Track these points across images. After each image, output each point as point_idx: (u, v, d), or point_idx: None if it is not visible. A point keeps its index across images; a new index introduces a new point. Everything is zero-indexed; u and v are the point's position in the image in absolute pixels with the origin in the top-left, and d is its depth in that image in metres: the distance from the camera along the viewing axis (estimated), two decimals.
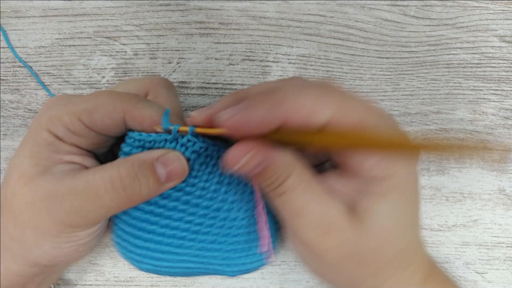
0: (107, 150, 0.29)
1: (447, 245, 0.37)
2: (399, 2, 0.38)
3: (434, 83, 0.38)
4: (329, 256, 0.24)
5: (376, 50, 0.38)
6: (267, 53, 0.38)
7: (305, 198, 0.24)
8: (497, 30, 0.38)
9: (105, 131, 0.26)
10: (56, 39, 0.38)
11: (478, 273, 0.37)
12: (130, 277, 0.36)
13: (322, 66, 0.38)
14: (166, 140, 0.25)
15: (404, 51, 0.38)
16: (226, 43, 0.38)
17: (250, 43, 0.38)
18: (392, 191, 0.24)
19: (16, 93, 0.37)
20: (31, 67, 0.37)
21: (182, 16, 0.38)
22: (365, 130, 0.22)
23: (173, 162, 0.25)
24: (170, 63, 0.38)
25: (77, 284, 0.36)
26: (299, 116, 0.21)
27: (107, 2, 0.38)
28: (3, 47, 0.38)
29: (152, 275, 0.35)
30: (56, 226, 0.24)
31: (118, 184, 0.24)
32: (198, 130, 0.25)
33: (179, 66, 0.38)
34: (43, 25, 0.38)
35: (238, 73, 0.38)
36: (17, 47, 0.38)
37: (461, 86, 0.38)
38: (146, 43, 0.38)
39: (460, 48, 0.38)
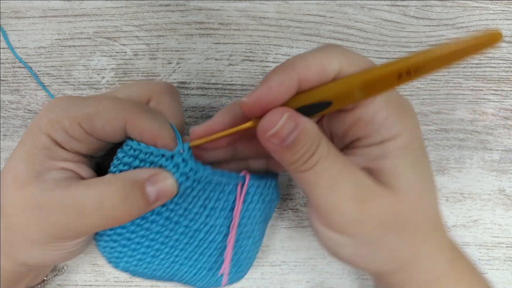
0: (106, 153, 0.29)
1: None
2: (399, 2, 0.38)
3: (434, 83, 0.38)
4: (370, 227, 0.24)
5: (376, 50, 0.38)
6: (267, 53, 0.38)
7: (337, 166, 0.23)
8: None
9: (105, 137, 0.25)
10: (56, 39, 0.38)
11: None
12: (130, 278, 0.36)
13: None
14: (163, 155, 0.25)
15: (404, 51, 0.38)
16: (226, 43, 0.38)
17: (250, 44, 0.38)
18: (407, 147, 0.24)
19: (16, 94, 0.37)
20: (31, 67, 0.37)
21: (182, 17, 0.38)
22: (368, 70, 0.23)
23: (164, 182, 0.24)
24: (170, 63, 0.38)
25: (77, 284, 0.36)
26: (311, 73, 0.22)
27: (107, 2, 0.38)
28: (3, 48, 0.38)
29: None
30: (44, 236, 0.24)
31: (108, 205, 0.23)
32: (196, 142, 0.25)
33: (179, 67, 0.38)
34: (43, 26, 0.38)
35: (238, 73, 0.38)
36: (17, 48, 0.38)
37: (461, 86, 0.38)
38: (146, 44, 0.38)
39: None
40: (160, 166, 0.25)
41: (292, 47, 0.38)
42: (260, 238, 0.32)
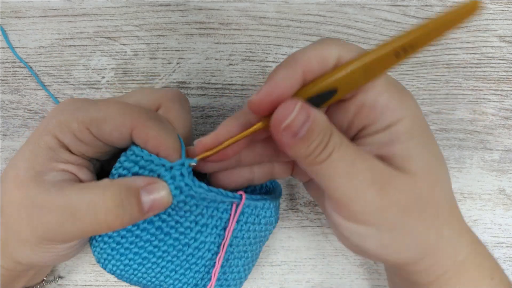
0: (111, 157, 0.29)
1: None
2: (399, 2, 0.38)
3: (434, 83, 0.38)
4: (393, 213, 0.24)
5: None
6: (267, 53, 0.38)
7: (351, 155, 0.23)
8: (497, 30, 0.38)
9: (112, 142, 0.26)
10: (56, 39, 0.38)
11: None
12: None
13: None
14: (163, 165, 0.25)
15: None
16: (226, 43, 0.38)
17: (250, 43, 0.38)
18: (412, 130, 0.24)
19: (16, 94, 0.37)
20: (31, 67, 0.37)
21: (182, 16, 0.38)
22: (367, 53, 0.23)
23: (159, 192, 0.24)
24: (170, 63, 0.38)
25: (77, 284, 0.36)
26: (313, 63, 0.23)
27: (107, 2, 0.38)
28: (3, 47, 0.38)
29: None
30: (34, 237, 0.24)
31: (101, 209, 0.23)
32: (204, 155, 0.25)
33: (179, 66, 0.38)
34: (43, 25, 0.38)
35: (238, 73, 0.38)
36: (17, 47, 0.38)
37: (461, 86, 0.38)
38: (146, 43, 0.38)
39: (460, 48, 0.38)
40: (158, 176, 0.25)
41: (292, 47, 0.38)
42: (253, 260, 0.32)
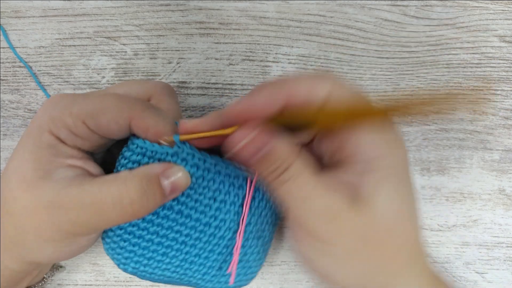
0: (105, 150, 0.29)
1: (447, 245, 0.37)
2: (399, 2, 0.38)
3: (434, 83, 0.38)
4: (338, 244, 0.24)
5: (376, 50, 0.38)
6: (267, 53, 0.38)
7: (309, 186, 0.24)
8: (497, 30, 0.38)
9: (109, 134, 0.26)
10: (56, 39, 0.38)
11: (478, 273, 0.37)
12: (130, 277, 0.36)
13: (322, 66, 0.38)
14: (167, 153, 0.26)
15: (404, 51, 0.38)
16: (226, 43, 0.38)
17: (250, 43, 0.38)
18: (390, 172, 0.24)
19: (16, 93, 0.37)
20: (31, 67, 0.37)
21: (182, 16, 0.38)
22: (357, 102, 0.23)
23: (177, 175, 0.25)
24: (170, 63, 0.38)
25: (77, 284, 0.36)
26: (299, 95, 0.22)
27: (107, 2, 0.38)
28: (3, 47, 0.38)
29: None
30: (60, 234, 0.25)
31: (127, 201, 0.24)
32: (185, 137, 0.25)
33: (179, 66, 0.38)
34: (43, 25, 0.38)
35: (238, 73, 0.38)
36: (17, 47, 0.38)
37: (461, 86, 0.38)
38: (146, 43, 0.38)
39: (460, 48, 0.38)
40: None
41: (292, 47, 0.38)
42: (269, 241, 0.32)
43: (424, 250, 0.27)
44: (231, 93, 0.38)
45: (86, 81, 0.37)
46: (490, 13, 0.38)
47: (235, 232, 0.29)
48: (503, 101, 0.38)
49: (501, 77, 0.38)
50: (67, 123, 0.25)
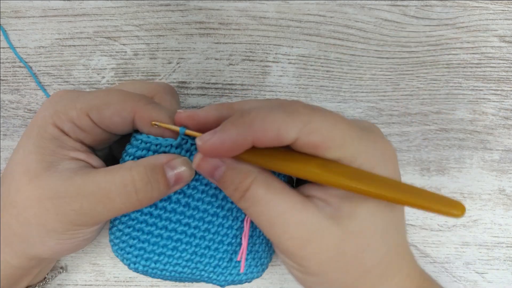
0: (106, 147, 0.29)
1: (447, 245, 0.37)
2: (399, 2, 0.38)
3: (434, 83, 0.38)
4: (312, 264, 0.24)
5: (376, 50, 0.38)
6: (267, 53, 0.38)
7: (277, 208, 0.23)
8: (497, 30, 0.38)
9: (112, 128, 0.26)
10: (56, 39, 0.38)
11: (478, 273, 0.37)
12: (130, 277, 0.36)
13: (322, 66, 0.38)
14: (171, 145, 0.26)
15: (404, 51, 0.38)
16: (226, 43, 0.38)
17: (250, 43, 0.38)
18: None
19: (16, 93, 0.37)
20: (31, 67, 0.37)
21: (182, 16, 0.38)
22: (325, 154, 0.23)
23: (182, 166, 0.26)
24: (170, 63, 0.38)
25: (77, 284, 0.36)
26: (267, 137, 0.22)
27: (107, 2, 0.38)
28: (3, 47, 0.38)
29: None
30: (63, 225, 0.25)
31: (131, 188, 0.24)
32: (190, 132, 0.25)
33: (179, 66, 0.38)
34: (43, 25, 0.38)
35: (238, 73, 0.38)
36: (17, 47, 0.38)
37: (461, 86, 0.38)
38: (146, 43, 0.38)
39: (460, 48, 0.38)
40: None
41: (292, 47, 0.38)
42: None
43: (409, 258, 0.27)
44: (231, 93, 0.38)
45: (86, 81, 0.37)
46: (490, 13, 0.38)
47: (243, 221, 0.29)
48: (503, 101, 0.38)
49: (501, 77, 0.38)
50: (71, 116, 0.25)
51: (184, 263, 0.29)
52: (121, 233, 0.28)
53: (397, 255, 0.26)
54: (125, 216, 0.28)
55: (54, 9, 0.38)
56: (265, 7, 0.38)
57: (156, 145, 0.26)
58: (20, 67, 0.37)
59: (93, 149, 0.28)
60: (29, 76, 0.37)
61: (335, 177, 0.22)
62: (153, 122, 0.26)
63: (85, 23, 0.38)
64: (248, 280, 0.31)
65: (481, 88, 0.38)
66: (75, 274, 0.36)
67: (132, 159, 0.26)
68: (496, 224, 0.37)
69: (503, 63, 0.38)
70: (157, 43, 0.38)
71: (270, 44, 0.38)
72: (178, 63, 0.38)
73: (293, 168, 0.23)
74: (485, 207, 0.37)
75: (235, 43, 0.38)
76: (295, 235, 0.23)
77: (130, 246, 0.28)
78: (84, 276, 0.36)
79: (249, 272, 0.30)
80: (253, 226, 0.29)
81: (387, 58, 0.38)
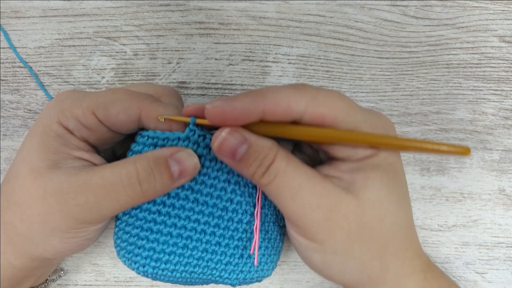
0: (109, 147, 0.29)
1: (447, 245, 0.37)
2: (399, 2, 0.38)
3: (434, 83, 0.38)
4: (338, 236, 0.24)
5: (376, 50, 0.38)
6: (267, 53, 0.38)
7: (299, 179, 0.24)
8: (497, 30, 0.38)
9: (117, 126, 0.26)
10: (56, 39, 0.38)
11: (478, 273, 0.37)
12: (130, 277, 0.36)
13: (322, 66, 0.38)
14: (179, 138, 0.26)
15: (404, 51, 0.38)
16: (226, 43, 0.38)
17: (250, 43, 0.38)
18: (381, 165, 0.25)
19: (16, 94, 0.37)
20: (31, 67, 0.37)
21: (182, 17, 0.38)
22: (333, 124, 0.24)
23: (186, 159, 0.25)
24: (170, 63, 0.38)
25: (77, 284, 0.36)
26: (278, 107, 0.23)
27: (107, 2, 0.38)
28: (3, 47, 0.38)
29: None
30: (67, 222, 0.25)
31: (135, 180, 0.24)
32: (201, 121, 0.26)
33: (179, 67, 0.38)
34: (43, 26, 0.38)
35: (238, 73, 0.38)
36: (17, 47, 0.38)
37: (461, 86, 0.38)
38: (146, 43, 0.38)
39: (460, 48, 0.38)
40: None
41: (292, 47, 0.38)
42: (283, 227, 0.32)
43: (416, 239, 0.28)
44: (231, 93, 0.38)
45: (86, 81, 0.37)
46: (490, 13, 0.38)
47: (252, 214, 0.28)
48: (503, 101, 0.38)
49: (501, 77, 0.38)
50: (77, 114, 0.25)
51: (195, 261, 0.28)
52: (128, 235, 0.28)
53: (409, 226, 0.27)
54: (132, 217, 0.28)
55: (54, 9, 0.38)
56: (265, 7, 0.38)
57: (163, 139, 0.26)
58: (20, 67, 0.37)
59: (96, 149, 0.28)
60: (29, 76, 0.37)
61: (350, 132, 0.24)
62: (161, 116, 0.26)
63: (85, 23, 0.38)
64: (259, 279, 0.30)
65: (481, 88, 0.38)
66: (75, 274, 0.36)
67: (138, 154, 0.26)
68: (496, 224, 0.37)
69: (503, 63, 0.38)
70: (157, 43, 0.38)
71: (270, 44, 0.38)
72: (178, 63, 0.38)
73: (309, 131, 0.24)
74: (485, 207, 0.37)
75: (235, 43, 0.38)
76: (320, 204, 0.24)
77: (139, 248, 0.28)
78: (84, 276, 0.36)
79: (260, 269, 0.30)
80: (262, 220, 0.29)
81: (387, 58, 0.38)
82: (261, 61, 0.38)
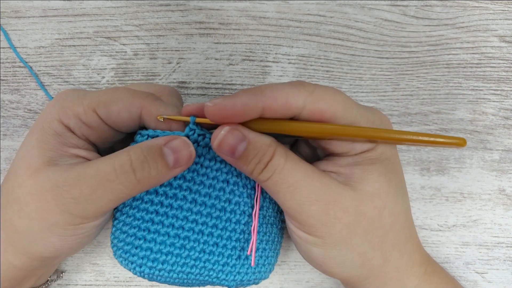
0: (109, 147, 0.30)
1: (447, 245, 0.37)
2: (399, 2, 0.38)
3: (434, 83, 0.38)
4: (337, 228, 0.25)
5: (376, 50, 0.38)
6: (267, 53, 0.38)
7: (297, 175, 0.24)
8: (497, 30, 0.38)
9: (118, 124, 0.26)
10: (56, 39, 0.38)
11: (478, 273, 0.37)
12: (130, 277, 0.36)
13: (322, 66, 0.38)
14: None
15: (404, 51, 0.38)
16: (226, 43, 0.38)
17: (250, 43, 0.38)
18: (379, 159, 0.26)
19: (16, 94, 0.37)
20: (31, 67, 0.37)
21: (182, 16, 0.38)
22: (332, 120, 0.24)
23: (181, 147, 0.25)
24: (170, 63, 0.38)
25: (77, 284, 0.36)
26: (276, 103, 0.23)
27: (107, 2, 0.38)
28: (3, 47, 0.38)
29: None
30: (64, 217, 0.25)
31: (128, 168, 0.24)
32: (200, 120, 0.26)
33: (179, 66, 0.38)
34: (43, 25, 0.38)
35: (238, 73, 0.38)
36: (17, 47, 0.38)
37: (461, 86, 0.38)
38: (146, 43, 0.38)
39: (460, 48, 0.38)
40: None
41: (292, 47, 0.38)
42: (282, 229, 0.32)
43: (415, 232, 0.28)
44: (231, 93, 0.38)
45: (86, 81, 0.37)
46: (490, 13, 0.38)
47: (250, 215, 0.28)
48: (503, 101, 0.38)
49: (501, 77, 0.38)
50: (78, 112, 0.25)
51: (192, 262, 0.28)
52: (125, 234, 0.28)
53: (408, 218, 0.27)
54: (129, 216, 0.28)
55: (54, 9, 0.38)
56: (265, 7, 0.38)
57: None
58: (20, 67, 0.37)
59: (97, 149, 0.28)
60: (29, 76, 0.37)
61: (350, 127, 0.24)
62: (160, 116, 0.26)
63: (85, 23, 0.38)
64: (256, 281, 0.30)
65: (481, 88, 0.38)
66: (75, 274, 0.36)
67: None
68: (496, 224, 0.37)
69: (503, 63, 0.38)
70: (157, 43, 0.38)
71: (270, 44, 0.38)
72: (178, 63, 0.38)
73: (308, 126, 0.24)
74: (485, 207, 0.37)
75: (235, 43, 0.38)
76: (319, 198, 0.24)
77: (136, 247, 0.28)
78: (84, 276, 0.36)
79: (257, 271, 0.30)
80: (260, 222, 0.29)
81: (387, 58, 0.38)
82: (261, 61, 0.38)
